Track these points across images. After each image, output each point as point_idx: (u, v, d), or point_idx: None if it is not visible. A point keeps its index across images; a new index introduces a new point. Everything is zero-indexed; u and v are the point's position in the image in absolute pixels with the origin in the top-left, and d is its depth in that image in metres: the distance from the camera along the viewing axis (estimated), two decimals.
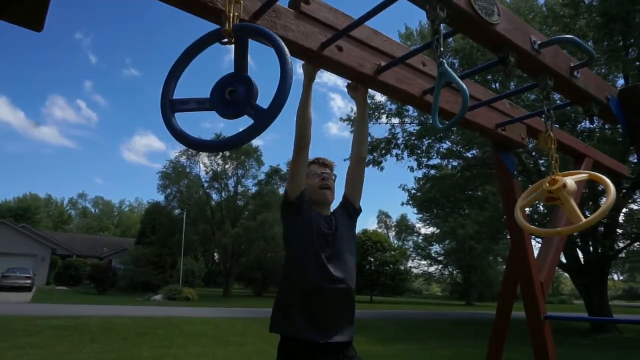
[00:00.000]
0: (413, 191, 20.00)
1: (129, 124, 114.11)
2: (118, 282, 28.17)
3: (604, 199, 14.35)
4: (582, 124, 14.02)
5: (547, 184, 1.62)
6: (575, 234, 15.52)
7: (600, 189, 14.01)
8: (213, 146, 1.06)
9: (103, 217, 71.80)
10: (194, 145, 0.96)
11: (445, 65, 1.32)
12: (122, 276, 29.29)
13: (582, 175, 1.72)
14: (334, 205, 2.00)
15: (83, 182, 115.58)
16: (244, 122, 0.94)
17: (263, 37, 0.97)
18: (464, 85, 1.25)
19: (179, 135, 0.96)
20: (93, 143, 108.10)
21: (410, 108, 16.41)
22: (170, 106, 0.99)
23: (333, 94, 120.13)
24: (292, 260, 1.80)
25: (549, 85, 1.75)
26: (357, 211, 1.98)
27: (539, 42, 1.67)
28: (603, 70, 12.87)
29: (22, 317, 11.32)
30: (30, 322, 10.60)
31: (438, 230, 26.79)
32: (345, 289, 1.74)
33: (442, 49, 1.33)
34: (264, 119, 0.88)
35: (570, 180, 1.60)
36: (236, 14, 1.05)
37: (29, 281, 24.14)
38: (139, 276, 28.15)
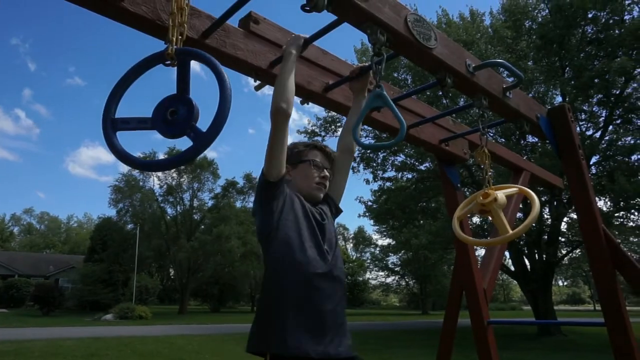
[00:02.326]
0: (369, 203, 20.35)
1: (74, 136, 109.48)
2: (65, 302, 26.74)
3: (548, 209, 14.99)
4: (527, 138, 14.83)
5: (481, 197, 1.74)
6: (522, 242, 16.27)
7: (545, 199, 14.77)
8: (154, 165, 1.09)
9: (49, 234, 68.01)
10: (136, 164, 0.98)
11: (384, 91, 1.40)
12: (70, 296, 27.88)
13: (513, 189, 1.86)
14: None
15: (25, 197, 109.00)
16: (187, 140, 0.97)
17: (204, 61, 1.02)
18: (402, 117, 1.31)
19: (121, 155, 0.98)
20: (35, 155, 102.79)
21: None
22: (111, 125, 1.01)
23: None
24: (276, 257, 1.47)
25: (483, 104, 1.88)
26: (339, 212, 1.79)
27: (473, 65, 1.81)
28: (542, 89, 13.74)
29: None
30: None
31: (394, 242, 27.30)
32: (341, 283, 1.53)
33: (382, 73, 1.42)
34: (202, 142, 0.92)
35: (501, 194, 1.73)
36: (179, 37, 1.08)
37: None
38: (88, 295, 26.90)
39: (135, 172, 33.28)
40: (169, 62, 1.04)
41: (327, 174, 1.70)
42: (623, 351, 1.97)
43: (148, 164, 1.02)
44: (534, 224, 1.77)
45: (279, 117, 1.48)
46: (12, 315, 23.03)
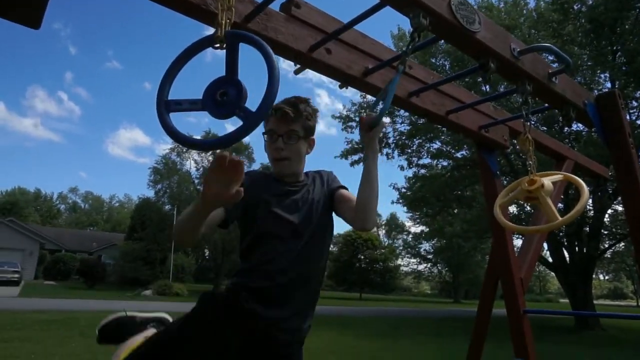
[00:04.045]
0: (403, 190, 20.17)
1: (113, 118, 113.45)
2: (107, 277, 28.09)
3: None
4: (571, 126, 14.24)
5: (526, 184, 1.70)
6: (561, 234, 15.77)
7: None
8: (205, 145, 1.12)
9: (93, 212, 71.26)
10: (188, 143, 1.03)
11: (398, 77, 1.43)
12: (112, 271, 29.22)
13: (558, 176, 1.80)
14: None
15: (69, 176, 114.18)
16: (232, 120, 1.01)
17: (252, 43, 1.04)
18: (385, 106, 1.41)
19: (174, 134, 1.03)
20: (77, 136, 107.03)
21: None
22: (165, 107, 1.05)
23: (319, 89, 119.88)
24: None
25: (527, 90, 1.83)
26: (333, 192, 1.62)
27: (518, 49, 1.75)
28: (589, 75, 13.09)
29: (10, 312, 11.27)
30: (18, 316, 10.56)
31: (427, 229, 27.04)
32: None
33: (407, 58, 1.45)
34: (252, 121, 0.95)
35: (547, 181, 1.69)
36: (228, 20, 1.11)
37: (16, 275, 23.93)
38: (128, 271, 28.10)
39: (173, 155, 34.30)
40: (218, 45, 1.07)
41: (281, 144, 1.49)
42: None
43: (200, 143, 1.06)
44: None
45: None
46: (59, 287, 24.41)
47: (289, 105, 1.50)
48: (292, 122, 1.49)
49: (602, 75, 13.97)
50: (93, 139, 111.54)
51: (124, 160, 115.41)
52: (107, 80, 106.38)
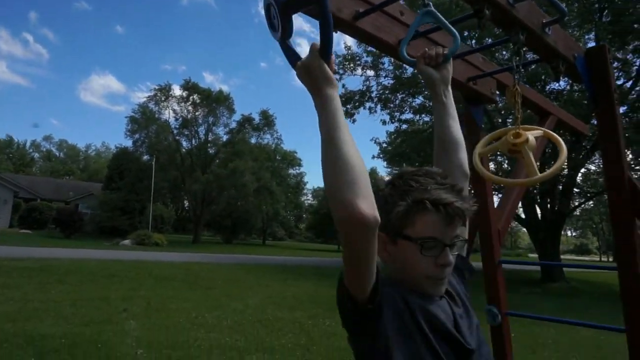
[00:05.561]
0: (384, 145, 20.23)
1: (84, 63, 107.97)
2: (85, 226, 27.90)
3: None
4: (551, 85, 14.33)
5: (512, 137, 1.69)
6: (535, 191, 16.23)
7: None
8: None
9: (68, 161, 69.69)
10: None
11: (432, 7, 1.35)
12: (89, 221, 29.01)
13: (538, 132, 1.80)
14: None
15: (39, 123, 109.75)
16: None
17: None
18: (454, 30, 1.29)
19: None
20: (47, 81, 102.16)
21: (386, 61, 16.28)
22: None
23: (299, 38, 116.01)
24: None
25: (520, 40, 1.79)
26: (472, 271, 1.16)
27: None
28: (575, 33, 13.05)
29: None
30: None
31: None
32: None
33: None
34: None
35: (531, 136, 1.69)
36: None
37: None
38: (106, 221, 27.98)
39: (151, 104, 33.41)
40: None
41: (451, 258, 0.92)
42: (634, 293, 2.00)
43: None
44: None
45: (366, 232, 0.80)
46: (35, 236, 24.20)
47: (463, 200, 0.93)
48: (461, 225, 0.95)
49: (585, 36, 13.94)
50: (64, 84, 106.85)
51: (97, 107, 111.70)
52: (76, 22, 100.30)
